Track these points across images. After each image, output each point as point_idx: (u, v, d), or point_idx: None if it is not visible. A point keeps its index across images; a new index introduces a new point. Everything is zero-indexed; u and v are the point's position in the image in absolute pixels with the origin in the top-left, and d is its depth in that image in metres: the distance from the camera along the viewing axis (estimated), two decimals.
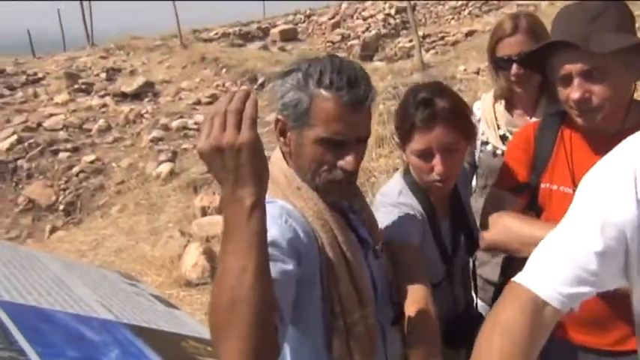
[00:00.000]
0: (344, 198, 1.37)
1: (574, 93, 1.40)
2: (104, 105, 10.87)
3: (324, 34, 17.05)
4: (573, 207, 1.04)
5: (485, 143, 2.12)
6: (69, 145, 9.43)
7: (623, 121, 1.45)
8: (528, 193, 1.59)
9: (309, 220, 1.27)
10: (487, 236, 1.58)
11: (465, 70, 8.65)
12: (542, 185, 1.56)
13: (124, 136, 9.85)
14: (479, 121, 2.12)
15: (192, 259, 5.02)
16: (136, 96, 11.32)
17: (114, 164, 9.09)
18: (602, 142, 1.33)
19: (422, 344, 1.31)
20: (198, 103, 10.71)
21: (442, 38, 14.19)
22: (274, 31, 17.16)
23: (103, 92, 11.50)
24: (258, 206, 0.95)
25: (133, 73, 12.69)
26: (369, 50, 14.81)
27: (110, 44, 15.14)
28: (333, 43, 15.89)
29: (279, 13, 19.52)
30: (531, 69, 1.66)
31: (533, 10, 11.07)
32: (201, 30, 16.89)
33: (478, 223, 1.70)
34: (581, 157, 1.49)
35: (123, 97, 11.32)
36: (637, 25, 1.57)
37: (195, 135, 9.17)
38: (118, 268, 4.73)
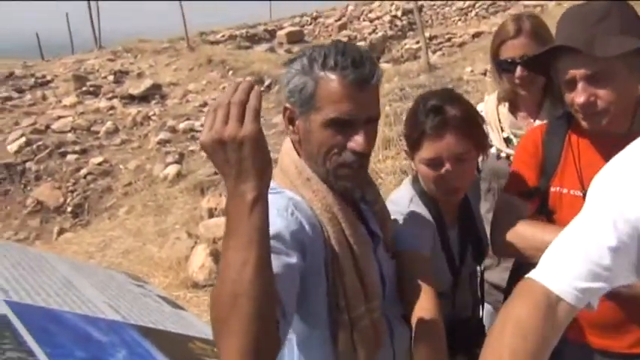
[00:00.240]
0: (355, 184, 1.32)
1: (579, 97, 1.39)
2: (112, 107, 10.92)
3: (330, 35, 17.03)
4: (587, 204, 1.05)
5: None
6: (77, 147, 9.49)
7: (630, 123, 1.45)
8: (538, 198, 1.57)
9: (316, 213, 1.26)
10: (499, 242, 1.57)
11: (471, 71, 8.62)
12: (552, 189, 1.55)
13: (131, 138, 9.90)
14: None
15: (199, 261, 5.04)
16: (144, 98, 11.36)
17: (121, 166, 9.13)
18: (610, 145, 1.32)
19: (428, 351, 1.27)
20: (205, 105, 10.73)
21: (449, 40, 14.15)
22: (281, 33, 17.16)
23: (110, 94, 11.56)
24: (260, 201, 0.94)
25: (140, 75, 12.74)
26: (376, 52, 14.79)
27: (118, 47, 15.19)
28: None
29: (285, 15, 19.52)
30: (535, 72, 1.65)
31: (540, 11, 11.03)
32: (208, 32, 16.92)
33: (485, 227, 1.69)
34: (589, 160, 1.48)
35: (130, 99, 11.37)
36: None
37: None
38: (125, 270, 4.75)
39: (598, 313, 1.04)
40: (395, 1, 17.06)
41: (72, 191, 8.71)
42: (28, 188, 8.81)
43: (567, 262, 0.99)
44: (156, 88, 11.72)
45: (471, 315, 1.76)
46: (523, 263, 1.54)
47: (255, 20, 18.68)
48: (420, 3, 13.01)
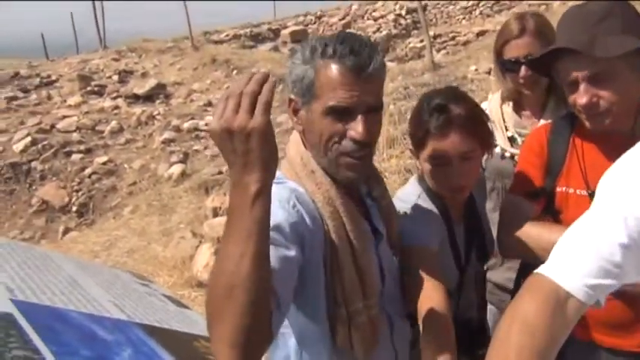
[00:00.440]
0: (358, 174, 1.29)
1: (581, 98, 1.39)
2: (116, 107, 10.95)
3: None
4: (596, 202, 1.04)
5: None
6: (82, 147, 9.52)
7: (633, 122, 1.45)
8: (544, 198, 1.57)
9: (318, 206, 1.25)
10: (506, 243, 1.57)
11: (476, 70, 8.59)
12: (559, 189, 1.55)
13: (135, 138, 9.92)
14: None
15: (204, 260, 5.04)
16: (148, 98, 11.39)
17: (126, 166, 9.16)
18: (614, 144, 1.32)
19: (436, 343, 1.25)
20: (210, 104, 10.75)
21: (453, 38, 14.12)
22: (285, 32, 17.18)
23: (115, 94, 11.59)
24: (263, 193, 0.94)
25: (144, 75, 12.77)
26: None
27: (122, 46, 15.23)
28: None
29: (289, 14, 19.53)
30: (538, 72, 1.64)
31: (545, 9, 10.98)
32: (212, 32, 16.95)
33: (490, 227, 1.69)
34: (594, 160, 1.48)
35: (135, 98, 11.40)
36: None
37: (206, 137, 9.21)
38: (130, 269, 4.76)
39: (607, 312, 1.04)
40: (399, 0, 17.05)
41: (77, 191, 8.74)
42: (34, 187, 8.84)
43: (578, 258, 0.97)
44: (160, 87, 11.75)
45: (474, 316, 1.75)
46: (530, 264, 1.53)
47: (259, 19, 18.71)
48: (424, 2, 12.98)
